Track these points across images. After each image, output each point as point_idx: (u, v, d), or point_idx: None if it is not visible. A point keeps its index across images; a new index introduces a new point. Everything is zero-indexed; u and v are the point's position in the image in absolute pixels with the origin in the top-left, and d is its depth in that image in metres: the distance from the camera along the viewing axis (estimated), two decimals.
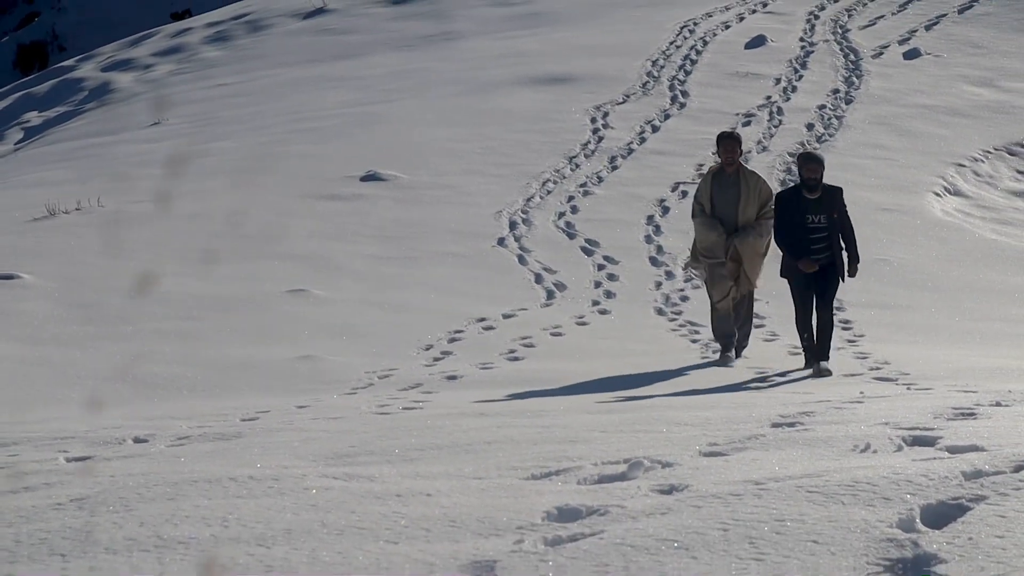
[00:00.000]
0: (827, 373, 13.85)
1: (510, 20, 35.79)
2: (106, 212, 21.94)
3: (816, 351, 14.19)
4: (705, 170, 17.57)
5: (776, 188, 18.83)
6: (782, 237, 14.50)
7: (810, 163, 14.64)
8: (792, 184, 18.20)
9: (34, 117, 35.81)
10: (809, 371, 14.03)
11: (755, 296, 15.54)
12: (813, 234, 14.34)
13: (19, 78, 49.81)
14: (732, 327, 15.02)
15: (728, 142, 15.29)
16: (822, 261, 14.36)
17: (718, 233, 14.98)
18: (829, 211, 14.42)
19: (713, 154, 17.66)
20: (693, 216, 15.43)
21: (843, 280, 14.64)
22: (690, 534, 5.04)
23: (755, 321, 15.55)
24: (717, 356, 15.04)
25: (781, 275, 14.76)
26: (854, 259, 14.65)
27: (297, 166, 24.45)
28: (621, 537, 5.10)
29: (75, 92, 37.12)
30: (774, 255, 14.96)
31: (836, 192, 14.72)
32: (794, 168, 23.47)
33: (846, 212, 14.72)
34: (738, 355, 15.04)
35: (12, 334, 15.89)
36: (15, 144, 33.68)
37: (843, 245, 14.60)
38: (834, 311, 14.83)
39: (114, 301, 17.33)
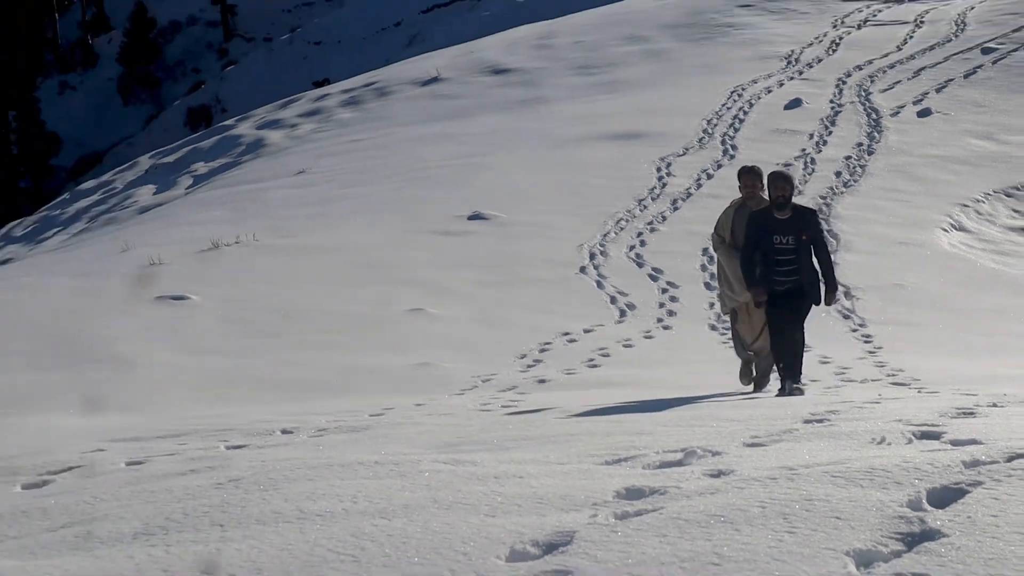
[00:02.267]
0: (798, 392, 11.84)
1: (590, 87, 35.77)
2: (260, 245, 22.10)
3: (788, 372, 12.16)
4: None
5: None
6: (743, 260, 12.30)
7: (778, 181, 12.23)
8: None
9: (201, 167, 36.09)
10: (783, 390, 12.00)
11: None
12: (779, 255, 12.12)
13: (189, 135, 50.21)
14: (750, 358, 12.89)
15: (748, 176, 12.78)
16: (789, 285, 12.16)
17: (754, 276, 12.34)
18: (798, 232, 12.06)
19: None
20: (715, 248, 13.21)
21: (817, 304, 12.46)
22: (734, 511, 5.04)
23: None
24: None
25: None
26: (831, 287, 12.41)
27: (416, 207, 24.54)
28: (677, 513, 5.10)
29: (234, 146, 37.40)
30: None
31: (808, 214, 12.53)
32: (825, 208, 23.40)
33: (821, 236, 12.43)
34: (759, 388, 12.82)
35: (183, 346, 16.03)
36: (186, 189, 33.96)
37: (819, 270, 12.39)
38: (803, 333, 12.45)
39: (266, 318, 17.47)
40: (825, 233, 13.01)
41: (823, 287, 12.37)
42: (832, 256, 12.54)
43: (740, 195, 12.76)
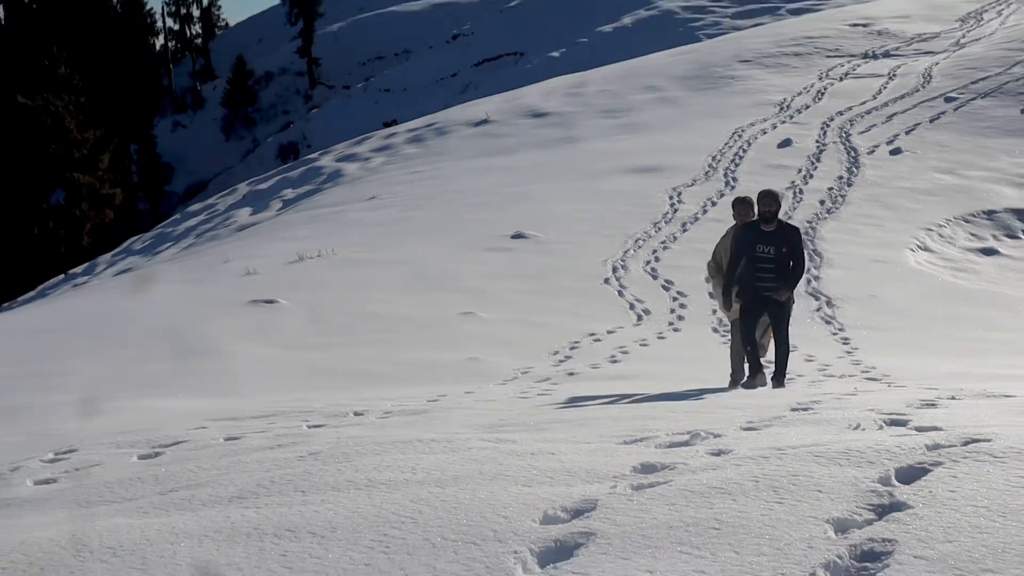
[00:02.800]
0: (761, 384, 11.62)
1: (615, 128, 35.76)
2: (337, 258, 22.17)
3: (775, 374, 11.82)
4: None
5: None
6: (729, 267, 11.93)
7: (766, 198, 11.79)
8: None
9: (289, 193, 36.24)
10: (751, 381, 11.73)
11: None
12: (760, 263, 11.66)
13: (279, 166, 50.42)
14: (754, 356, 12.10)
15: (741, 206, 12.34)
16: (770, 291, 11.69)
17: (730, 301, 11.97)
18: (779, 244, 11.62)
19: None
20: (710, 276, 12.80)
21: (774, 295, 11.69)
22: (732, 484, 5.03)
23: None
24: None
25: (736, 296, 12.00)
26: (788, 285, 11.72)
27: (467, 228, 24.58)
28: (684, 485, 5.09)
29: (317, 176, 37.55)
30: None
31: (791, 230, 12.00)
32: (811, 231, 23.32)
33: (800, 251, 11.88)
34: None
35: (273, 341, 16.11)
36: (276, 211, 34.11)
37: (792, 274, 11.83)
38: (789, 343, 12.04)
39: (342, 319, 17.52)
40: (804, 250, 12.06)
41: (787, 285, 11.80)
42: (806, 271, 12.11)
43: (735, 222, 12.34)
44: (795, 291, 12.13)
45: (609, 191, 27.39)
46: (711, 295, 12.78)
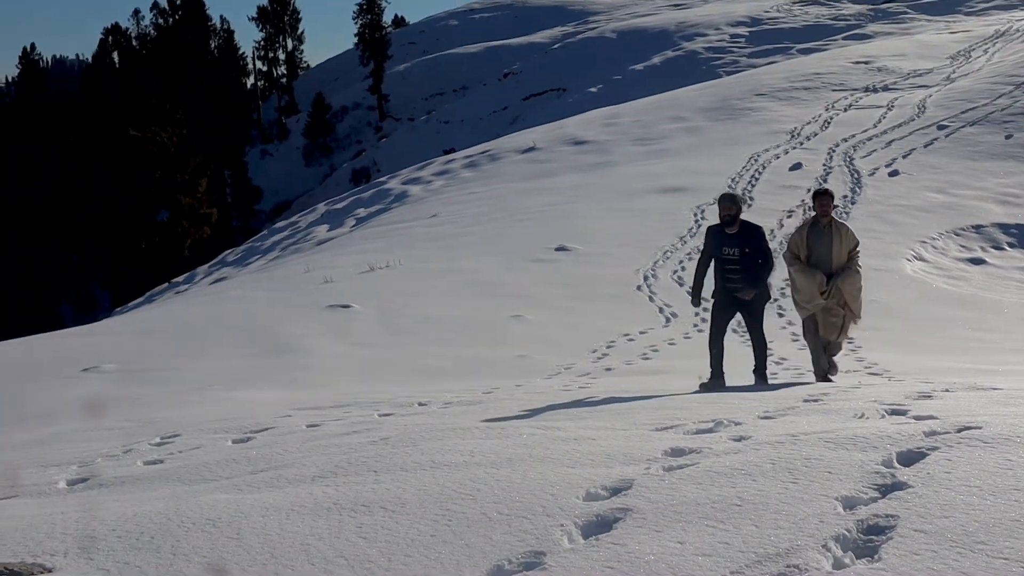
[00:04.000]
0: (719, 388, 10.43)
1: (646, 154, 35.66)
2: (404, 268, 22.24)
3: (756, 370, 10.99)
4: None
5: None
6: (697, 268, 11.17)
7: (724, 202, 10.88)
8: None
9: (361, 211, 36.39)
10: (705, 382, 10.76)
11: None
12: (727, 264, 10.83)
13: (353, 189, 50.65)
14: (824, 362, 11.33)
15: (823, 198, 11.31)
16: (739, 291, 10.80)
17: (816, 277, 11.03)
18: (743, 245, 10.72)
19: (807, 207, 11.25)
20: (789, 265, 11.39)
21: (738, 295, 10.82)
22: (751, 466, 4.99)
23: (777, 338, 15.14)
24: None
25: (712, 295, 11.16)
26: (752, 284, 10.78)
27: (516, 241, 24.58)
28: (710, 467, 5.06)
29: (386, 197, 37.69)
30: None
31: (753, 230, 10.96)
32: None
33: (765, 249, 10.88)
34: (826, 378, 11.20)
35: (348, 340, 16.17)
36: (350, 228, 34.26)
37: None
38: (765, 338, 11.14)
39: (407, 321, 17.56)
40: (769, 248, 11.00)
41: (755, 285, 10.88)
42: (772, 270, 10.98)
43: (813, 214, 11.35)
44: (769, 287, 11.45)
45: (641, 209, 27.31)
46: (794, 293, 11.41)
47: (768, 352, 11.44)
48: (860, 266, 11.28)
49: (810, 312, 11.21)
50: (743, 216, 11.05)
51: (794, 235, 11.44)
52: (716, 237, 10.96)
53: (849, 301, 11.13)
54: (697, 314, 18.37)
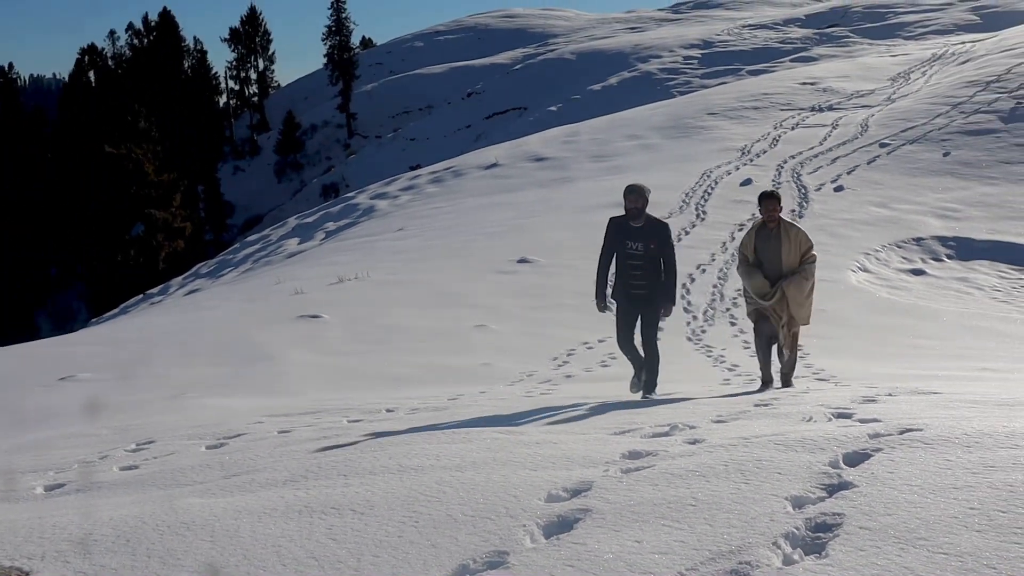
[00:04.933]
0: (640, 396, 9.84)
1: (603, 170, 35.78)
2: (371, 280, 22.18)
3: (645, 383, 10.02)
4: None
5: None
6: (599, 264, 10.20)
7: (630, 194, 10.01)
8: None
9: (331, 225, 36.30)
10: (629, 388, 10.23)
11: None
12: (631, 260, 9.92)
13: (323, 203, 50.50)
14: (768, 363, 10.75)
15: (769, 201, 10.44)
16: (642, 292, 9.93)
17: (760, 278, 10.37)
18: (647, 240, 9.86)
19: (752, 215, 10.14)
20: (738, 266, 10.79)
21: (661, 316, 10.05)
22: (705, 468, 5.01)
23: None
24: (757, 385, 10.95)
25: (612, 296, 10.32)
26: (667, 298, 9.94)
27: (480, 253, 24.58)
28: (666, 469, 5.07)
29: (355, 211, 37.60)
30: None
31: (659, 226, 10.01)
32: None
33: (670, 248, 9.99)
34: (786, 383, 10.67)
35: (318, 349, 16.10)
36: (320, 241, 34.15)
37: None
38: (658, 351, 10.16)
39: (375, 331, 17.50)
40: (674, 247, 10.13)
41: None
42: (677, 276, 10.14)
43: (760, 217, 10.55)
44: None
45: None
46: (744, 287, 10.67)
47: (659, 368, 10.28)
48: (812, 272, 10.51)
49: (753, 307, 10.60)
50: (649, 211, 10.16)
51: (744, 236, 10.76)
52: (619, 230, 10.04)
53: (793, 307, 10.40)
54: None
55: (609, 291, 10.26)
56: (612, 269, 10.22)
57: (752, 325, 10.98)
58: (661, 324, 10.96)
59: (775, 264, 10.43)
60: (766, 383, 10.66)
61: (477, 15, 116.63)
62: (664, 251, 9.95)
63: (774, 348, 10.85)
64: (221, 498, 5.23)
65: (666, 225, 10.16)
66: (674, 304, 10.06)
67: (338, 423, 8.50)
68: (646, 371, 10.02)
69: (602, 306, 10.18)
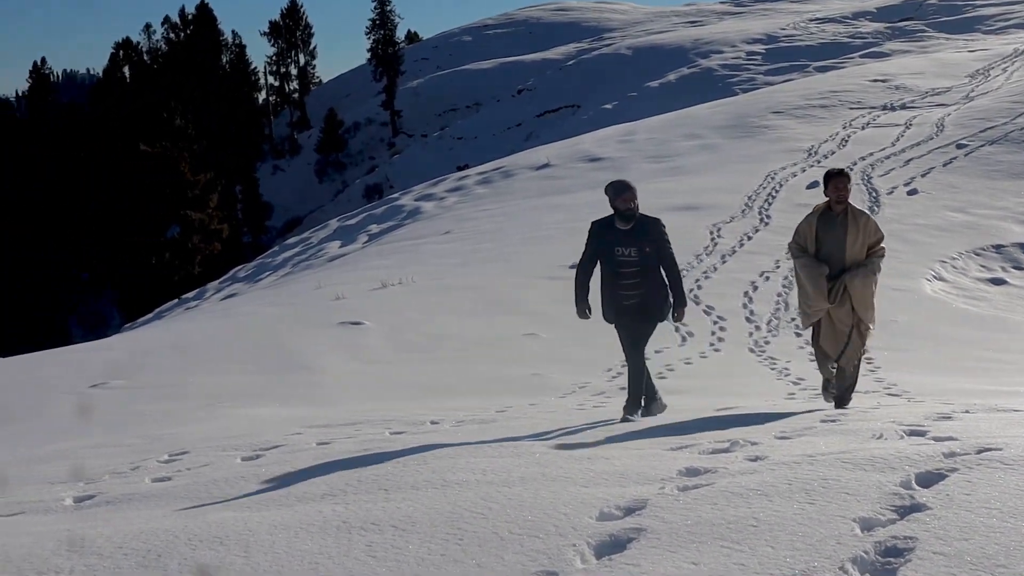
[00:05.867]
0: (657, 410, 9.35)
1: (661, 171, 35.66)
2: (416, 285, 22.25)
3: (629, 399, 9.31)
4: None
5: None
6: (577, 272, 9.40)
7: (623, 192, 9.15)
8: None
9: (374, 228, 36.45)
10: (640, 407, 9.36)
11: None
12: (623, 267, 9.06)
13: (366, 204, 50.74)
14: (833, 385, 9.65)
15: (838, 179, 9.30)
16: (635, 300, 9.16)
17: (822, 274, 9.13)
18: (641, 243, 9.00)
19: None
20: (794, 258, 9.51)
21: (673, 321, 9.38)
22: (767, 486, 4.97)
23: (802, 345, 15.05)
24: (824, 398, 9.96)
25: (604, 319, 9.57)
26: (679, 302, 9.19)
27: (530, 258, 24.58)
28: (725, 487, 5.04)
29: (399, 213, 37.75)
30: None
31: (651, 223, 9.17)
32: None
33: (667, 246, 9.17)
34: (843, 402, 9.48)
35: (360, 357, 16.17)
36: (363, 244, 34.32)
37: (667, 283, 9.20)
38: (645, 358, 9.61)
39: (419, 339, 17.56)
40: (671, 245, 9.23)
41: (672, 302, 9.29)
42: (681, 271, 9.35)
43: (824, 201, 9.43)
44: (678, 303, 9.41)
45: None
46: (798, 293, 9.58)
47: (646, 386, 9.60)
48: (879, 268, 9.39)
49: (812, 320, 9.46)
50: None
51: (802, 223, 9.50)
52: (606, 235, 9.20)
53: (859, 308, 9.27)
54: (713, 333, 18.34)
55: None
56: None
57: (811, 335, 9.92)
58: (684, 328, 10.51)
59: (838, 256, 9.20)
60: (829, 382, 9.70)
61: (528, 8, 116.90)
62: (663, 252, 9.12)
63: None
64: (256, 512, 5.26)
65: (659, 221, 9.30)
66: (686, 305, 9.39)
67: (379, 435, 8.53)
68: (630, 384, 9.33)
69: (584, 311, 9.37)
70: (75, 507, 6.34)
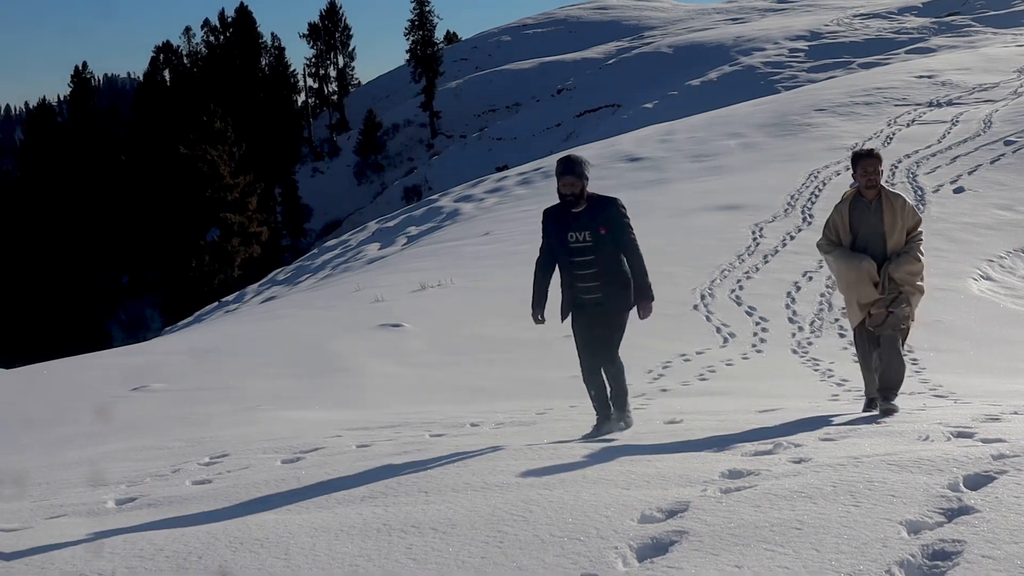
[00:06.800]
0: (612, 428, 8.10)
1: (702, 170, 35.55)
2: (456, 287, 22.29)
3: (614, 409, 8.28)
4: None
5: None
6: (536, 267, 8.41)
7: (563, 175, 8.04)
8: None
9: (413, 229, 36.56)
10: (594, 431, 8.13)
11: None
12: (576, 256, 8.03)
13: (404, 207, 50.91)
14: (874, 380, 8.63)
15: (867, 161, 8.46)
16: (595, 297, 8.16)
17: (863, 263, 8.31)
18: (595, 226, 7.96)
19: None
20: (826, 253, 8.78)
21: (640, 318, 8.35)
22: (812, 489, 4.94)
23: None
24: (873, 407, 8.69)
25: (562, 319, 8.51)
26: (642, 295, 8.23)
27: None
28: (768, 489, 5.01)
29: (438, 215, 37.84)
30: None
31: (608, 203, 8.06)
32: None
33: (627, 230, 8.10)
34: (888, 402, 8.28)
35: (399, 360, 16.21)
36: (402, 246, 34.42)
37: (630, 274, 8.17)
38: (619, 362, 8.37)
39: (459, 341, 17.58)
40: (632, 228, 8.18)
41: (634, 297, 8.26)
42: (643, 262, 8.28)
43: (854, 186, 8.74)
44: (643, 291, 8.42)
45: (697, 227, 27.19)
46: (837, 274, 8.67)
47: (627, 384, 8.60)
48: (922, 253, 8.54)
49: (862, 316, 8.54)
50: (593, 189, 8.33)
51: (831, 215, 8.75)
52: (557, 221, 8.19)
53: (908, 287, 8.36)
54: (755, 334, 18.24)
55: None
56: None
57: (853, 336, 9.08)
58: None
59: (876, 244, 8.42)
60: (872, 402, 8.76)
61: (568, 7, 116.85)
62: (621, 235, 8.03)
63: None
64: (296, 514, 5.29)
65: (616, 201, 8.16)
66: (654, 299, 8.32)
67: (419, 437, 8.55)
68: (613, 395, 8.28)
69: (540, 316, 8.39)
70: (117, 509, 6.39)
